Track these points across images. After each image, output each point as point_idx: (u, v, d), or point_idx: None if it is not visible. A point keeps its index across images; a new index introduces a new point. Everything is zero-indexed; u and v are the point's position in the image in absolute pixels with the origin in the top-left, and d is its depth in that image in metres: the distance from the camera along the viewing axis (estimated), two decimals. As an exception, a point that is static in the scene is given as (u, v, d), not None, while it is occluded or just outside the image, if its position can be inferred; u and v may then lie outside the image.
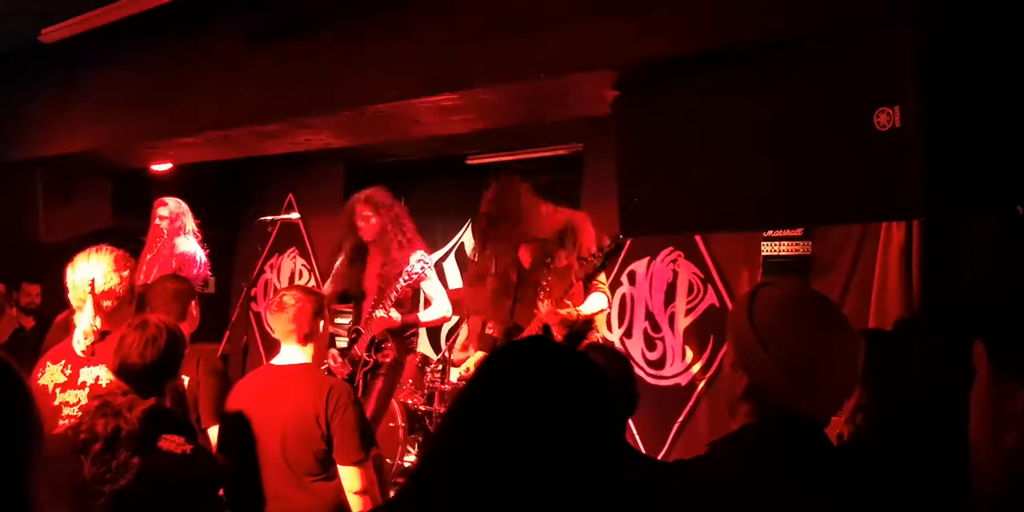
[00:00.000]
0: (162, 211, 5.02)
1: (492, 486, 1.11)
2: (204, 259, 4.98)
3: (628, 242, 4.67)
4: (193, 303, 3.24)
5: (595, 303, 3.70)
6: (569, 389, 1.17)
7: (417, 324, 4.38)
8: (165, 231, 4.95)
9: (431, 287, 4.39)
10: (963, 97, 1.98)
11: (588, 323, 3.77)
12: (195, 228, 5.06)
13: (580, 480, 1.12)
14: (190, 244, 4.97)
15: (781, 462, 1.36)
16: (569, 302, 3.65)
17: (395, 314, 4.15)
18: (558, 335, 3.63)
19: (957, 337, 2.56)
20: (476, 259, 4.12)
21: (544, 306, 3.59)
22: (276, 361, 2.96)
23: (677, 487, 1.39)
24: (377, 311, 4.15)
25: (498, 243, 3.89)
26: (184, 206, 5.08)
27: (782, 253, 4.33)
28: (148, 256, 4.91)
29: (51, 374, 2.60)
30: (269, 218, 5.27)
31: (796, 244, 4.05)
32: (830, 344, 1.41)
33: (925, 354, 2.67)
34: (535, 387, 1.17)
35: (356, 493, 2.78)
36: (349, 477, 2.78)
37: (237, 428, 2.85)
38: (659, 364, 4.59)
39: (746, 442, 1.42)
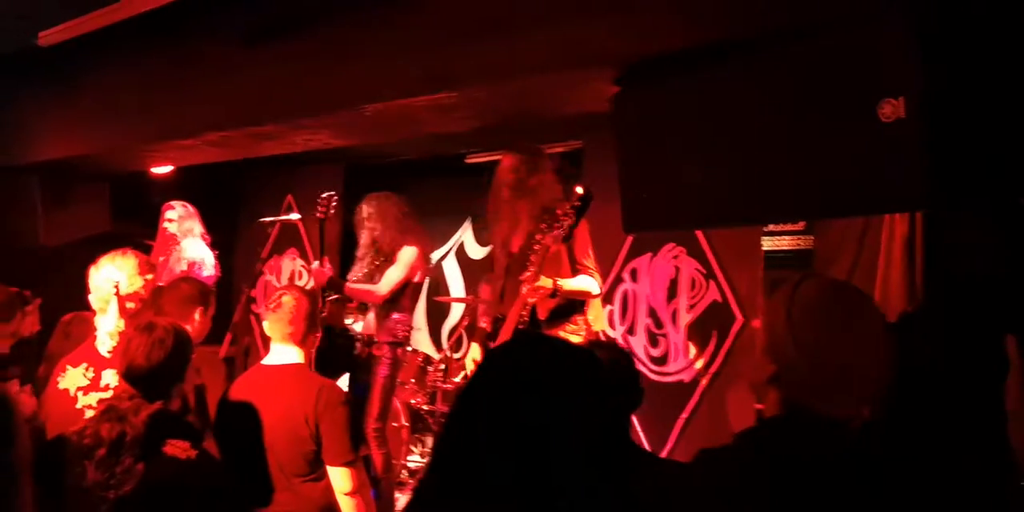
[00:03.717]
0: (170, 214, 5.06)
1: (493, 489, 1.10)
2: (214, 262, 5.01)
3: (631, 237, 4.66)
4: (201, 309, 3.24)
5: (580, 282, 3.61)
6: (565, 387, 1.16)
7: (342, 290, 4.52)
8: (176, 234, 4.99)
9: (393, 272, 4.58)
10: (968, 87, 1.97)
11: (574, 305, 3.68)
12: (203, 231, 5.10)
13: (581, 480, 1.11)
14: (200, 248, 5.00)
15: (797, 460, 1.37)
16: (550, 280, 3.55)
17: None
18: (542, 313, 3.57)
19: (961, 331, 2.55)
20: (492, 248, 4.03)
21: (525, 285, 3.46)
22: (267, 361, 2.96)
23: (696, 477, 1.40)
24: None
25: (505, 223, 3.80)
26: (191, 209, 5.11)
27: (783, 248, 4.32)
28: (160, 259, 4.94)
29: (72, 377, 2.61)
30: (269, 219, 5.28)
31: (798, 238, 4.05)
32: (860, 346, 1.41)
33: (929, 348, 2.66)
34: (529, 387, 1.16)
35: (347, 494, 2.77)
36: (339, 478, 2.77)
37: (229, 429, 2.85)
38: (662, 360, 4.59)
39: (769, 436, 1.43)
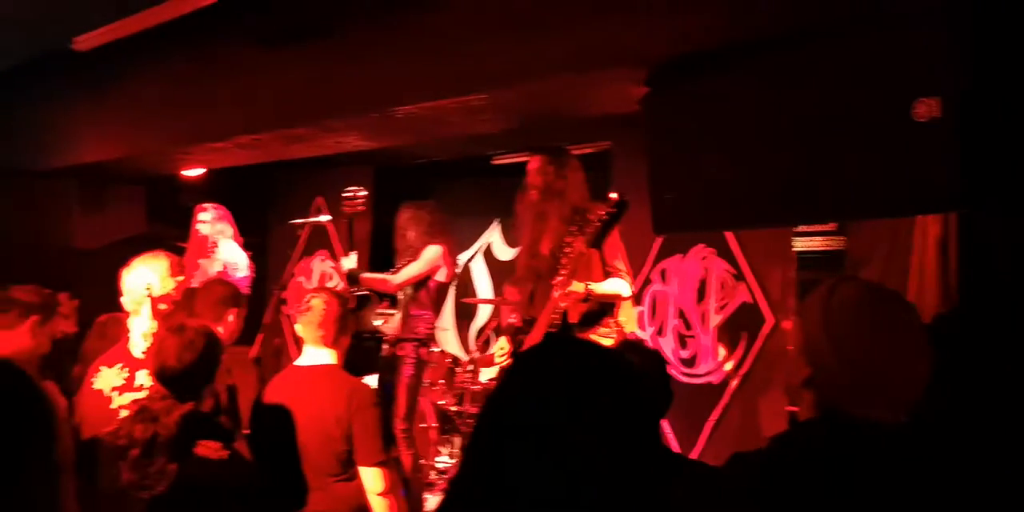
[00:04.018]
0: (203, 216, 5.17)
1: (522, 492, 1.10)
2: (248, 263, 5.10)
3: (660, 239, 4.65)
4: (235, 310, 3.28)
5: (611, 285, 3.59)
6: (595, 390, 1.16)
7: (359, 281, 4.57)
8: (209, 236, 5.08)
9: (413, 266, 4.67)
10: (1004, 87, 1.94)
11: (605, 308, 3.66)
12: (235, 233, 5.18)
13: (611, 483, 1.11)
14: (233, 250, 5.09)
15: (833, 464, 1.35)
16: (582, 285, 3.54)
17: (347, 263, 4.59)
18: (573, 316, 3.56)
19: (996, 332, 2.52)
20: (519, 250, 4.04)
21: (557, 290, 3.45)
22: (300, 362, 2.99)
23: (733, 477, 1.39)
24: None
25: (533, 224, 3.79)
26: (224, 212, 5.21)
27: (815, 248, 4.28)
28: (197, 261, 5.04)
29: (107, 378, 2.64)
30: (299, 221, 5.33)
31: (829, 239, 4.00)
32: (898, 350, 1.40)
33: (964, 350, 2.62)
34: (559, 390, 1.16)
35: (379, 494, 2.79)
36: (371, 478, 2.79)
37: (263, 429, 2.88)
38: (691, 362, 4.56)
39: (805, 440, 1.41)
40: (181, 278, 2.79)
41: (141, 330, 2.69)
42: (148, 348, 2.62)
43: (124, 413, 2.53)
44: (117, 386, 2.61)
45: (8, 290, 2.91)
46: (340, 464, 2.82)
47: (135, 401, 2.39)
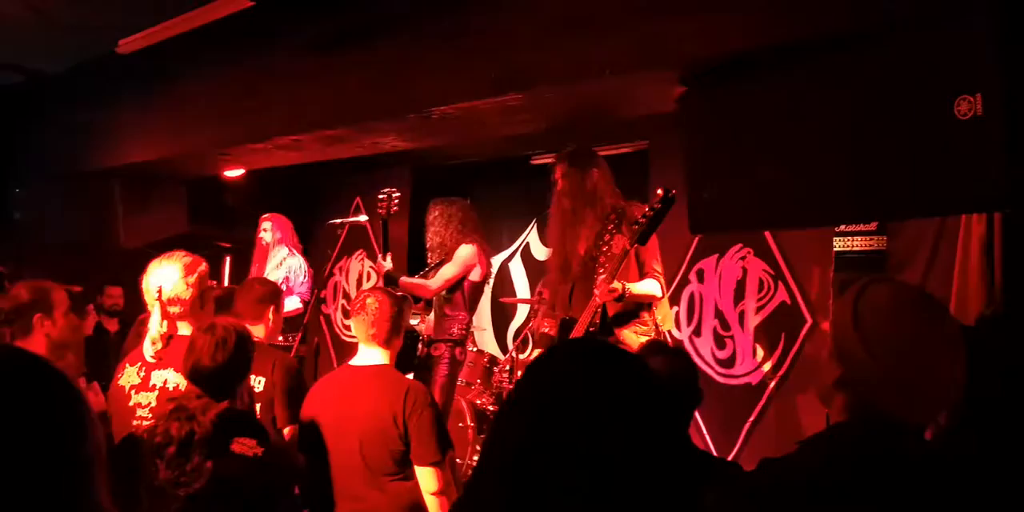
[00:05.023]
0: (265, 225, 5.30)
1: (537, 492, 1.10)
2: (306, 269, 5.23)
3: (697, 238, 4.61)
4: (273, 307, 3.32)
5: (646, 286, 3.58)
6: (615, 390, 1.15)
7: (397, 284, 4.53)
8: (270, 245, 5.22)
9: (447, 269, 4.62)
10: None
11: (639, 307, 3.65)
12: (296, 241, 5.32)
13: (628, 481, 1.10)
14: (293, 258, 5.22)
15: (870, 467, 1.33)
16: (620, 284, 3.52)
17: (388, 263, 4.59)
18: (611, 313, 3.55)
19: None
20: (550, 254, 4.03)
21: (599, 288, 3.44)
22: (354, 362, 3.01)
23: (763, 482, 1.37)
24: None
25: (566, 226, 3.78)
26: (284, 221, 5.32)
27: (855, 248, 4.21)
28: (262, 269, 5.20)
29: (128, 376, 2.68)
30: (338, 221, 5.39)
31: (870, 239, 3.93)
32: (933, 353, 1.38)
33: (1008, 352, 2.57)
34: (577, 390, 1.15)
35: (433, 494, 2.81)
36: (426, 478, 2.80)
37: (316, 428, 2.90)
38: (729, 363, 4.52)
39: (837, 443, 1.39)
40: (193, 279, 2.77)
41: (151, 333, 2.68)
42: (157, 351, 2.64)
43: (140, 412, 2.58)
44: (135, 384, 2.64)
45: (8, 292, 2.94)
46: (396, 463, 2.83)
47: (172, 399, 2.43)
